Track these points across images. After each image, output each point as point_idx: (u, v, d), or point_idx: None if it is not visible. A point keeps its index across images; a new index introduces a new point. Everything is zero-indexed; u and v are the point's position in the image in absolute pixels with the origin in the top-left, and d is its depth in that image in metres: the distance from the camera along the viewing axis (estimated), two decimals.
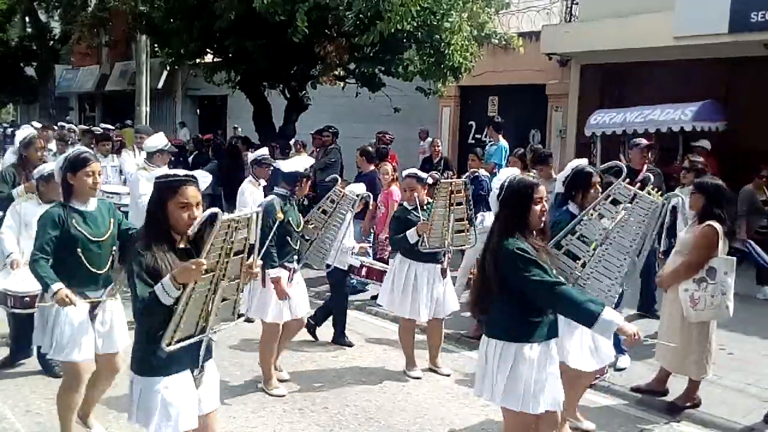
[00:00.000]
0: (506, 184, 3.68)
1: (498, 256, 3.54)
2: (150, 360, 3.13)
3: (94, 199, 4.28)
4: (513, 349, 3.58)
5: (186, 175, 3.24)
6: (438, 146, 11.71)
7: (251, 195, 7.43)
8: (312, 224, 5.86)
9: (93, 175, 4.20)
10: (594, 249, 4.02)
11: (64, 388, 4.37)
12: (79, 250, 4.11)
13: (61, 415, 4.40)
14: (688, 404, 5.35)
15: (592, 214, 4.08)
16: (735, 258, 5.20)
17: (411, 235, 5.77)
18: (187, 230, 3.14)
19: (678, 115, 10.51)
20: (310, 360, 6.35)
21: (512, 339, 3.60)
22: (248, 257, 3.12)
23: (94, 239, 4.15)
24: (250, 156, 12.31)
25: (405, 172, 6.16)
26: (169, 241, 3.16)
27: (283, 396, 5.53)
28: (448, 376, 6.09)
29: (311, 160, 5.91)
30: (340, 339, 6.91)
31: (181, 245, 3.19)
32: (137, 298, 3.02)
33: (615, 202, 4.01)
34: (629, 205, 4.11)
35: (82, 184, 4.18)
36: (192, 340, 3.07)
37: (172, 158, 9.62)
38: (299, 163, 5.66)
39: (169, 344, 2.96)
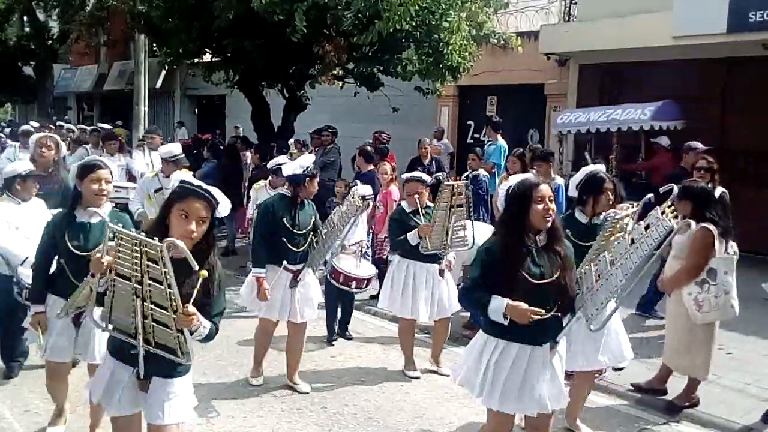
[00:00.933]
0: (510, 187, 3.74)
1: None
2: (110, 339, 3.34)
3: (106, 210, 4.21)
4: (482, 339, 3.77)
5: (199, 187, 3.16)
6: (426, 147, 10.91)
7: (255, 193, 7.61)
8: (325, 229, 5.82)
9: (99, 182, 4.16)
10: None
11: (47, 383, 4.64)
12: (62, 260, 4.15)
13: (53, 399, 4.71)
14: (686, 404, 5.35)
15: (625, 237, 4.05)
16: (734, 257, 5.21)
17: (412, 237, 5.76)
18: (183, 238, 3.03)
19: (638, 115, 10.75)
20: (309, 360, 6.34)
21: (486, 331, 3.76)
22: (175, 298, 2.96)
23: (77, 253, 4.11)
24: (248, 156, 12.42)
25: (406, 175, 6.13)
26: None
27: (259, 386, 5.64)
28: (449, 376, 6.06)
29: (311, 158, 5.84)
30: (330, 337, 6.96)
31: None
32: None
33: (647, 227, 3.97)
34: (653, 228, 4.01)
35: (88, 190, 4.16)
36: (123, 337, 3.14)
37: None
38: (298, 163, 5.61)
39: (103, 320, 3.15)
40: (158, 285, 2.95)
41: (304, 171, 5.47)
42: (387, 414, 5.31)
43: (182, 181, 3.22)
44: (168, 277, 2.90)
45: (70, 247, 4.11)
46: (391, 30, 9.38)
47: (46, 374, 4.59)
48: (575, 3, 13.60)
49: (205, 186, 3.19)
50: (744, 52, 10.32)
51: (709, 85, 11.50)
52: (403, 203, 6.11)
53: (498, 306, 3.49)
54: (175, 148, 7.71)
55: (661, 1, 10.57)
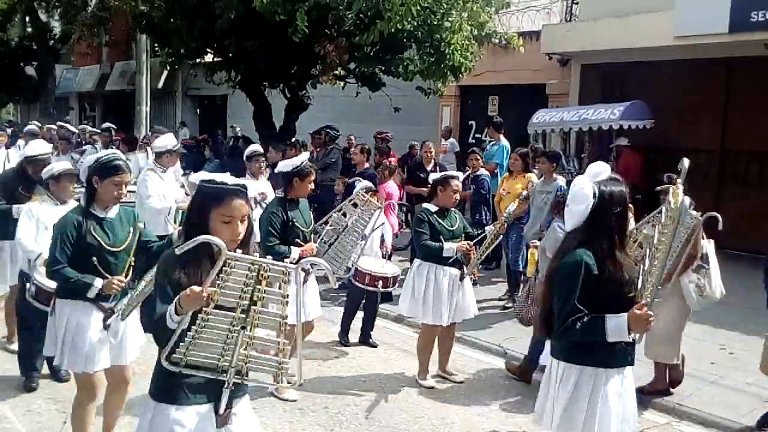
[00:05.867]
0: (607, 192, 3.21)
1: (561, 264, 3.24)
2: (164, 384, 2.82)
3: (117, 205, 4.17)
4: (575, 373, 3.26)
5: (235, 185, 2.89)
6: (430, 150, 10.40)
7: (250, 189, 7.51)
8: (331, 226, 5.77)
9: (120, 185, 4.08)
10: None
11: (78, 402, 4.22)
12: (94, 258, 3.99)
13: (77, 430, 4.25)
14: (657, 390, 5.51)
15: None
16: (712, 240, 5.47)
17: (448, 250, 5.60)
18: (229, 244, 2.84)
19: (608, 114, 10.99)
20: (311, 360, 6.35)
21: (575, 361, 3.27)
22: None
23: (110, 248, 4.05)
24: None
25: (453, 173, 6.01)
26: (206, 254, 2.78)
27: (295, 401, 5.45)
28: (462, 383, 5.97)
29: (301, 158, 5.65)
30: (342, 338, 6.91)
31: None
32: (154, 313, 2.75)
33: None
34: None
35: (108, 191, 4.05)
36: (207, 375, 2.78)
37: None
38: (289, 163, 5.53)
39: (175, 363, 2.72)
40: (269, 310, 2.71)
41: (293, 169, 5.39)
42: (389, 414, 5.31)
43: (209, 181, 2.88)
44: (287, 299, 2.71)
45: (103, 243, 4.02)
46: (393, 30, 9.39)
47: (77, 400, 4.22)
48: (577, 3, 13.60)
49: (235, 180, 2.93)
50: (746, 52, 10.32)
51: (711, 85, 11.50)
52: (427, 205, 5.88)
53: (618, 324, 3.09)
54: (171, 139, 7.65)
55: (663, 1, 10.57)
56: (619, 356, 3.27)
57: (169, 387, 2.82)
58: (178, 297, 2.65)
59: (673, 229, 3.20)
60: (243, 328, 2.71)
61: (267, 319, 2.74)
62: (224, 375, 2.79)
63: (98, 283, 3.98)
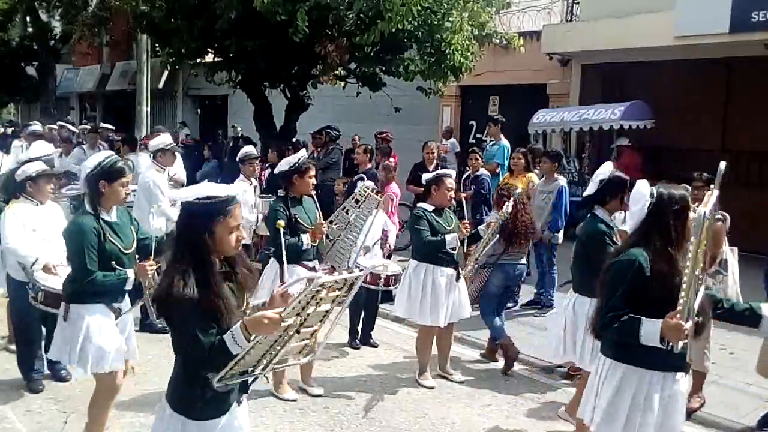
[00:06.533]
0: (660, 193, 3.27)
1: (615, 261, 3.26)
2: (203, 401, 2.82)
3: (118, 210, 4.25)
4: (621, 371, 3.27)
5: (227, 193, 2.84)
6: (432, 151, 10.09)
7: (242, 193, 7.53)
8: (336, 224, 5.77)
9: (126, 186, 4.19)
10: None
11: (98, 403, 4.23)
12: (114, 263, 4.06)
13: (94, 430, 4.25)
14: (697, 407, 5.36)
15: None
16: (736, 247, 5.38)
17: (451, 240, 5.60)
18: (231, 253, 2.86)
19: (608, 115, 11.12)
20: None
21: (622, 360, 3.28)
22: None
23: (125, 251, 4.12)
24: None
25: (446, 171, 5.99)
26: (215, 270, 2.79)
27: (295, 401, 5.44)
28: (462, 383, 5.96)
29: (299, 155, 5.62)
30: (351, 342, 6.86)
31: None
32: (199, 345, 2.65)
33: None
34: None
35: (116, 194, 4.12)
36: (246, 378, 2.80)
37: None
38: (287, 161, 5.54)
39: (220, 381, 2.69)
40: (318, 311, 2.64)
41: (290, 167, 5.41)
42: (389, 414, 5.31)
43: (208, 197, 2.77)
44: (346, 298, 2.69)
45: (120, 247, 4.09)
46: (393, 30, 9.39)
47: (98, 400, 4.24)
48: (577, 3, 13.61)
49: (228, 188, 2.93)
50: (746, 52, 10.33)
51: (711, 85, 11.51)
52: (423, 204, 5.87)
53: (653, 329, 3.05)
54: (165, 138, 7.62)
55: (663, 1, 10.58)
56: (668, 359, 3.15)
57: (203, 402, 2.82)
58: (244, 323, 2.59)
59: (698, 238, 3.14)
60: (297, 332, 2.65)
61: (313, 316, 2.68)
62: (254, 371, 2.77)
63: (131, 274, 4.08)
